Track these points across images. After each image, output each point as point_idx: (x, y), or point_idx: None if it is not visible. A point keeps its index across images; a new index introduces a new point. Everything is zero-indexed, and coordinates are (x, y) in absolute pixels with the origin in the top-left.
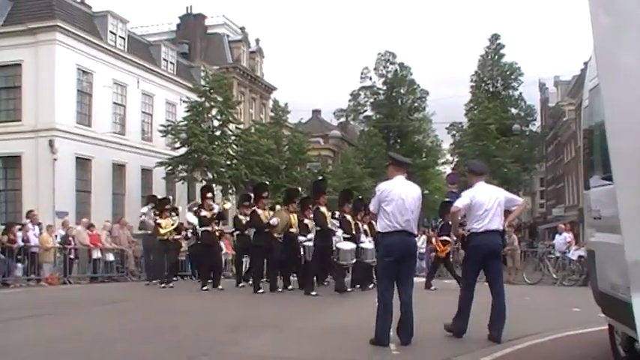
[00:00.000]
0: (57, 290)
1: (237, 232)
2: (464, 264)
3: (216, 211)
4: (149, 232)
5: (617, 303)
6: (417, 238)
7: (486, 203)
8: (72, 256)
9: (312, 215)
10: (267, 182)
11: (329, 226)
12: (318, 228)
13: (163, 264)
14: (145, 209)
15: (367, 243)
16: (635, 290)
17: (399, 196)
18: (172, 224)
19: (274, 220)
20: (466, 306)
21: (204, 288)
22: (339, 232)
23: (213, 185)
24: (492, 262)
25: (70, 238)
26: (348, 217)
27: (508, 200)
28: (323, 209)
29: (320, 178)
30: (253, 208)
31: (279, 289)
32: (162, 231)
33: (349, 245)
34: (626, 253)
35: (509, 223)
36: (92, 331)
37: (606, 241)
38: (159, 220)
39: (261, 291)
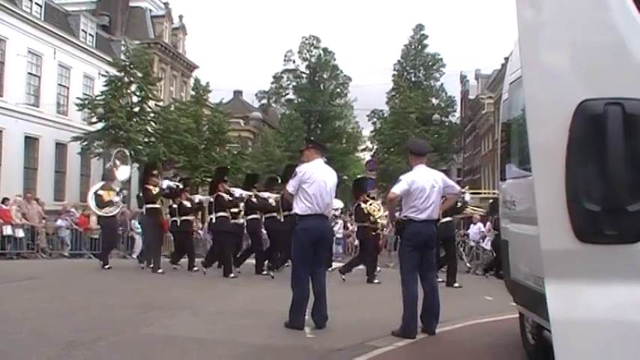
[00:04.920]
0: None
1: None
2: (400, 256)
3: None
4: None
5: (528, 291)
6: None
7: (428, 189)
8: None
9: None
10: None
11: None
12: None
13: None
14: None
15: None
16: (549, 277)
17: (321, 179)
18: None
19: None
20: (411, 304)
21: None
22: None
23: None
24: (427, 253)
25: None
26: None
27: (446, 186)
28: None
29: None
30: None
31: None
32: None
33: None
34: (542, 242)
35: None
36: None
37: (520, 231)
38: None
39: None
